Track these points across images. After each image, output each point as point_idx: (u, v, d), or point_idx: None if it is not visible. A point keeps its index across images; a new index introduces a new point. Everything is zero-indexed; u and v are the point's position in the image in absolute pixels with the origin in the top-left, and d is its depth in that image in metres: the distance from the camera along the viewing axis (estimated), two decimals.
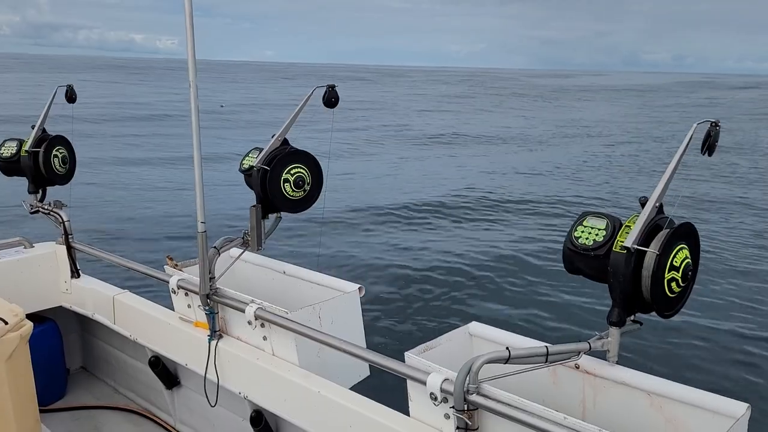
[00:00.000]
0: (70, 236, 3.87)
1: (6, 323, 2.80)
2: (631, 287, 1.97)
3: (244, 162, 3.01)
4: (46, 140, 3.85)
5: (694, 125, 2.04)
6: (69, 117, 3.83)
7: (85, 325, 4.16)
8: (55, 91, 3.85)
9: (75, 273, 3.91)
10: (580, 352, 2.07)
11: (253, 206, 2.91)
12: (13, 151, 3.86)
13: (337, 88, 2.99)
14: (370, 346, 2.58)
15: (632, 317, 2.09)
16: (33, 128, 3.89)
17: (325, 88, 2.95)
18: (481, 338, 2.49)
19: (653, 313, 2.05)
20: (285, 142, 2.99)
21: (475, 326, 2.52)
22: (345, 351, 2.45)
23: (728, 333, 7.18)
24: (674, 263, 1.96)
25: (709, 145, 2.03)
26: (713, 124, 2.02)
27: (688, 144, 2.03)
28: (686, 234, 2.02)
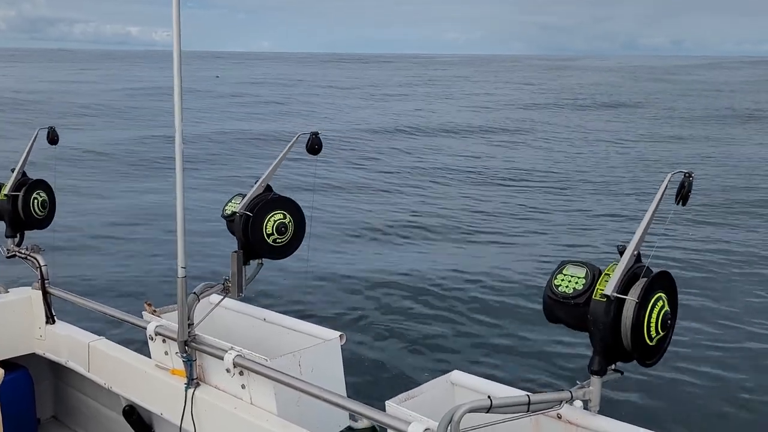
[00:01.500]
0: (46, 281, 3.81)
1: None
2: (611, 335, 1.98)
3: (226, 208, 3.01)
4: (26, 184, 3.83)
5: (669, 175, 2.09)
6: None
7: (58, 372, 4.06)
8: (36, 133, 3.84)
9: (50, 319, 3.84)
10: (561, 402, 2.07)
11: (235, 252, 2.90)
12: None
13: (320, 135, 3.03)
14: (351, 394, 2.55)
15: (613, 366, 2.10)
16: (13, 171, 3.87)
17: (308, 135, 2.98)
18: (463, 387, 2.47)
19: (634, 362, 2.07)
20: (268, 188, 3.01)
21: (456, 375, 2.51)
22: (325, 400, 2.41)
23: (710, 381, 7.18)
24: (653, 312, 1.99)
25: (683, 195, 2.08)
26: (687, 174, 2.07)
27: (662, 195, 2.08)
28: (664, 282, 2.06)
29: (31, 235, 3.91)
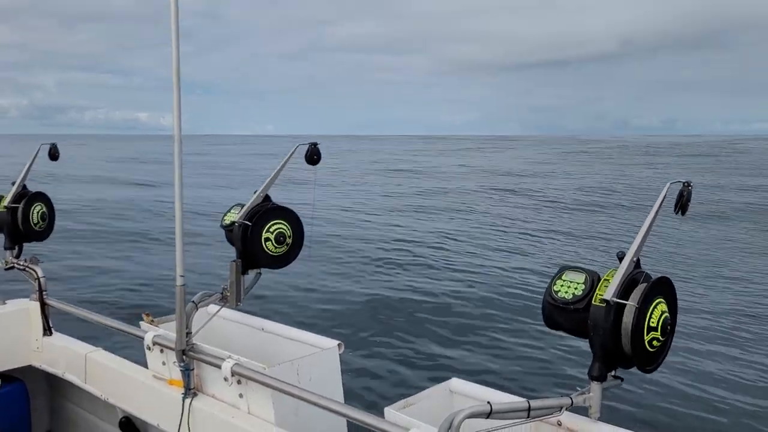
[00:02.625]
0: (44, 292, 3.80)
1: None
2: (611, 341, 1.98)
3: (225, 218, 3.01)
4: (26, 196, 3.84)
5: (668, 184, 2.10)
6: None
7: (54, 386, 4.03)
8: (38, 149, 3.87)
9: (47, 330, 3.82)
10: (561, 408, 2.05)
11: (233, 261, 2.90)
12: None
13: (319, 146, 3.04)
14: (350, 403, 2.53)
15: (613, 372, 2.09)
16: (13, 184, 3.88)
17: (307, 146, 3.00)
18: (462, 395, 2.45)
19: (634, 368, 2.06)
20: (267, 198, 3.01)
21: (455, 382, 2.50)
22: (323, 407, 2.39)
23: (711, 387, 7.14)
24: (653, 316, 1.99)
25: (681, 204, 2.09)
26: (686, 184, 2.09)
27: (662, 202, 2.09)
28: (663, 288, 2.06)
29: (30, 247, 3.92)
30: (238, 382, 2.74)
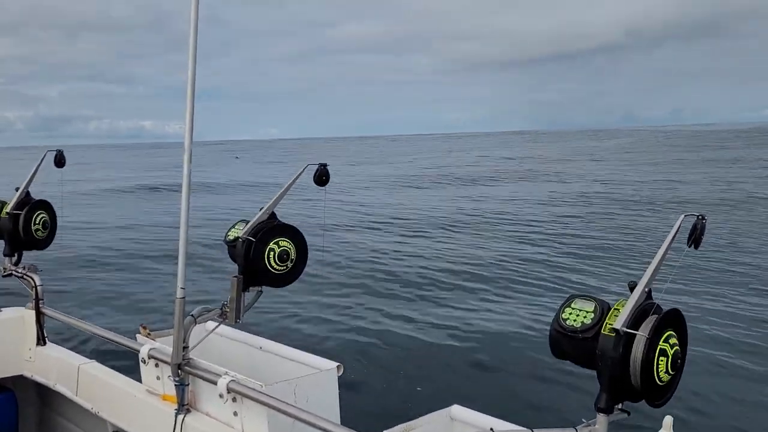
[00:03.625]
0: (41, 301, 3.75)
1: None
2: (619, 371, 1.93)
3: (229, 233, 2.98)
4: (29, 204, 3.81)
5: (681, 217, 2.07)
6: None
7: (44, 397, 3.95)
8: (44, 155, 3.86)
9: (41, 340, 3.76)
10: None
11: (235, 277, 2.86)
12: None
13: (328, 167, 3.03)
14: (346, 425, 2.46)
15: (620, 405, 2.03)
16: (17, 190, 3.86)
17: (316, 166, 2.98)
18: (463, 422, 2.40)
19: (642, 402, 2.01)
20: (272, 215, 2.99)
21: (456, 409, 2.44)
22: (320, 428, 2.33)
23: (720, 423, 7.01)
24: (663, 349, 1.94)
25: (695, 238, 2.06)
26: (699, 217, 2.06)
27: (675, 234, 2.06)
28: (674, 320, 2.01)
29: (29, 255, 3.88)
30: (234, 399, 2.68)
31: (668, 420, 1.86)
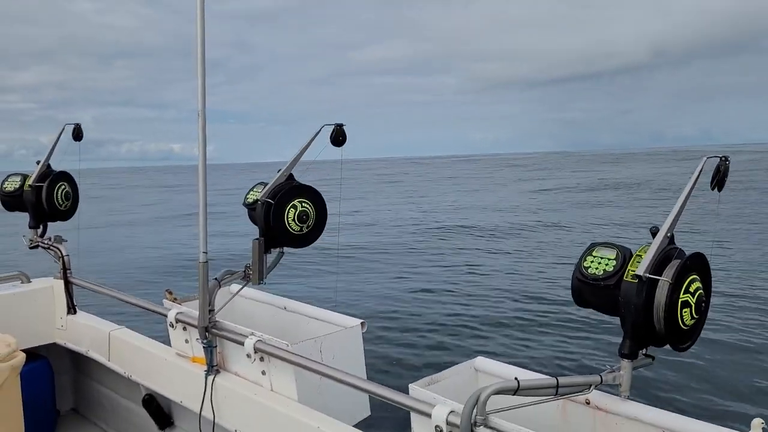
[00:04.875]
0: (68, 271, 3.82)
1: None
2: (642, 318, 1.92)
3: (248, 196, 2.99)
4: (50, 176, 3.85)
5: (704, 159, 2.04)
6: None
7: (78, 364, 4.06)
8: (63, 129, 3.87)
9: (71, 309, 3.85)
10: (591, 386, 2.01)
11: (256, 239, 2.88)
12: (17, 186, 3.86)
13: (344, 127, 3.01)
14: (372, 380, 2.50)
15: (644, 351, 2.03)
16: (38, 164, 3.90)
17: (332, 126, 2.96)
18: (487, 373, 2.42)
19: (667, 347, 2.00)
20: (290, 177, 2.98)
21: (481, 361, 2.46)
22: (346, 383, 2.37)
23: (744, 365, 7.00)
24: (687, 293, 1.93)
25: (718, 180, 2.03)
26: (723, 159, 2.02)
27: (697, 177, 2.02)
28: (698, 264, 1.99)
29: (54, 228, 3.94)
30: (261, 359, 2.73)
31: (757, 421, 1.85)
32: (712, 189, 2.04)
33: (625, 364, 1.99)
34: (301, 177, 2.96)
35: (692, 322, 1.96)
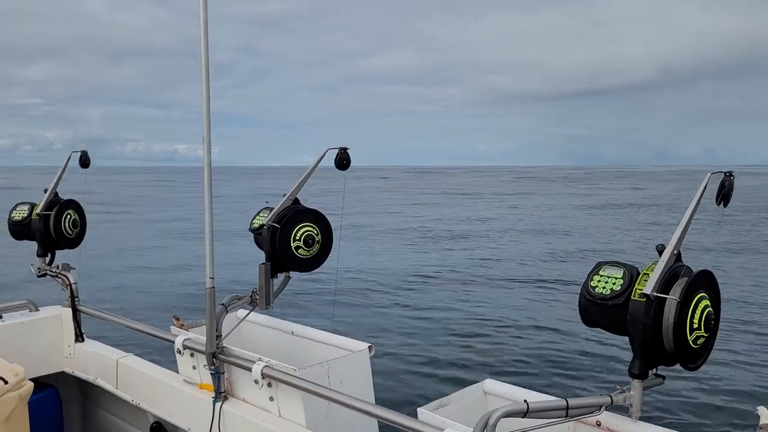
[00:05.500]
0: (76, 299, 3.83)
1: (6, 382, 2.73)
2: (651, 337, 1.90)
3: (254, 221, 3.00)
4: (58, 204, 3.88)
5: (708, 175, 2.03)
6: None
7: (86, 392, 4.05)
8: (69, 156, 3.91)
9: (79, 337, 3.84)
10: (601, 407, 1.99)
11: (262, 264, 2.88)
12: (25, 215, 3.89)
13: (349, 151, 3.02)
14: (381, 404, 2.49)
15: (655, 370, 2.02)
16: (45, 192, 3.93)
17: (337, 150, 2.98)
18: (496, 396, 2.40)
19: (677, 366, 1.98)
20: (296, 201, 3.00)
21: (489, 383, 2.44)
22: (355, 408, 2.35)
23: (754, 385, 6.89)
24: (695, 312, 1.91)
25: (723, 195, 2.02)
26: (727, 174, 2.02)
27: (702, 194, 2.02)
28: (706, 282, 1.98)
29: (61, 253, 3.95)
30: (269, 384, 2.72)
31: (763, 410, 1.84)
32: (718, 204, 2.04)
33: (636, 384, 1.98)
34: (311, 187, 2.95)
35: (702, 340, 1.94)
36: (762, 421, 1.85)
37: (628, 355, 2.01)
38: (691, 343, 1.91)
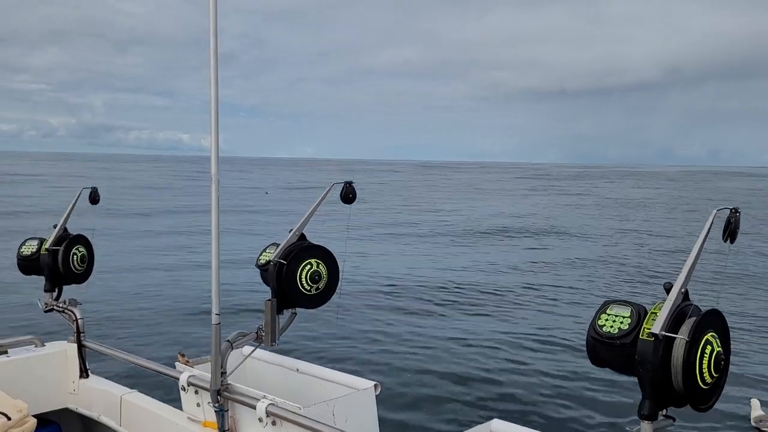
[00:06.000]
0: (82, 334, 3.82)
1: (9, 419, 2.71)
2: (660, 377, 1.88)
3: (260, 257, 3.01)
4: (67, 239, 3.90)
5: (714, 212, 2.03)
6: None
7: (89, 429, 4.01)
8: (80, 193, 3.94)
9: (84, 373, 3.83)
10: None
11: (268, 300, 2.88)
12: (34, 250, 3.90)
13: (354, 185, 3.04)
14: None
15: (665, 411, 1.98)
16: (55, 227, 3.95)
17: (342, 185, 3.00)
18: None
19: (687, 407, 1.95)
20: (302, 237, 3.00)
21: (497, 424, 2.40)
22: None
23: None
24: (705, 351, 1.89)
25: (730, 231, 2.01)
26: (733, 210, 2.01)
27: (708, 230, 2.01)
28: (714, 321, 1.96)
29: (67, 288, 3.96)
30: (273, 423, 2.69)
31: (755, 402, 1.81)
32: (724, 240, 2.02)
33: (645, 426, 1.94)
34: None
35: (712, 380, 1.91)
36: (753, 414, 1.82)
37: (638, 396, 1.98)
38: (700, 383, 1.89)
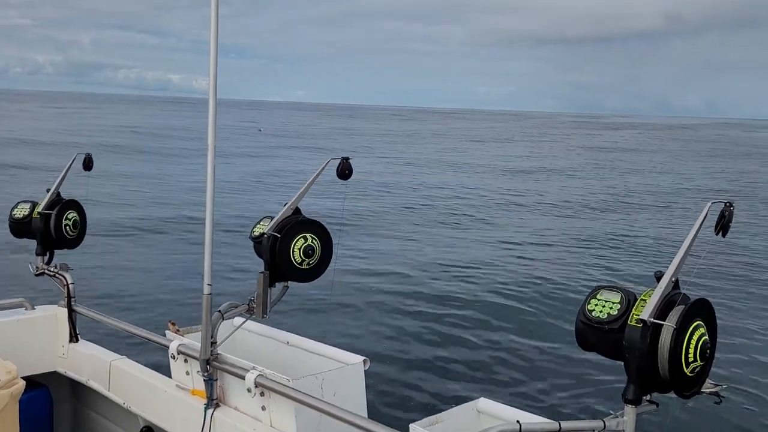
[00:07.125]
0: (72, 299, 3.82)
1: None
2: (647, 363, 1.91)
3: (254, 229, 3.01)
4: (60, 203, 3.89)
5: (708, 204, 2.04)
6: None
7: (78, 393, 4.04)
8: (74, 158, 3.92)
9: (74, 337, 3.84)
10: (594, 431, 1.98)
11: (261, 272, 2.89)
12: (26, 213, 3.89)
13: (351, 161, 3.03)
14: (373, 418, 2.48)
15: (649, 396, 2.02)
16: (48, 191, 3.94)
17: (339, 160, 2.99)
18: (490, 415, 2.39)
19: (671, 393, 1.98)
20: (297, 211, 3.01)
21: (483, 402, 2.44)
22: (347, 421, 2.35)
23: (748, 411, 6.88)
24: (691, 339, 1.92)
25: (722, 225, 2.03)
26: (727, 204, 2.03)
27: (702, 222, 2.03)
28: (702, 310, 1.99)
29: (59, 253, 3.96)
30: (261, 394, 2.71)
31: None
32: (716, 234, 2.04)
33: (629, 410, 1.98)
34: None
35: (697, 368, 1.94)
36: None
37: (623, 380, 2.01)
38: (686, 370, 1.92)
